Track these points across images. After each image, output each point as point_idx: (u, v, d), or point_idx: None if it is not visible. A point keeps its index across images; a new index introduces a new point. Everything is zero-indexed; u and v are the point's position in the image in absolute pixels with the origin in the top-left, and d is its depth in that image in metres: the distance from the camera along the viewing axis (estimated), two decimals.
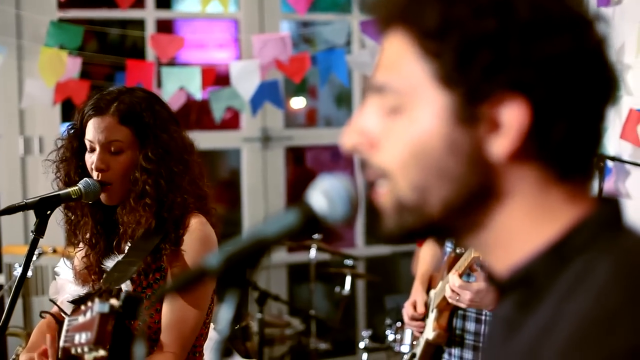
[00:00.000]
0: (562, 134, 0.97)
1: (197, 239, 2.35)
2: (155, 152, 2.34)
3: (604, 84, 1.00)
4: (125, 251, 2.38)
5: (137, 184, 2.33)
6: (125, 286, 2.33)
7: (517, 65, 0.95)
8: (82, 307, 1.98)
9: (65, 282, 2.51)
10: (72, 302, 2.44)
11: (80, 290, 2.44)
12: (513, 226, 1.00)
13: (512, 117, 0.96)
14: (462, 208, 1.00)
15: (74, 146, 2.44)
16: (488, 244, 1.03)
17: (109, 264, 2.40)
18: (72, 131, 2.45)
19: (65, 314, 2.38)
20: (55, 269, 2.57)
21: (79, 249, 2.51)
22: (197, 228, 2.35)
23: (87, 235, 2.46)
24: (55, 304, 2.44)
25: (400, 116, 1.01)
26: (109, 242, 2.45)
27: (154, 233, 2.34)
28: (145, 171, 2.33)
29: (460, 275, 2.67)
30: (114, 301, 1.89)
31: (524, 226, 1.00)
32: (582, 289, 0.93)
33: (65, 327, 2.09)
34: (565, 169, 0.99)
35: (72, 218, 2.47)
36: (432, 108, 0.99)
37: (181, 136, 2.43)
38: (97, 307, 1.89)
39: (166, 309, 2.31)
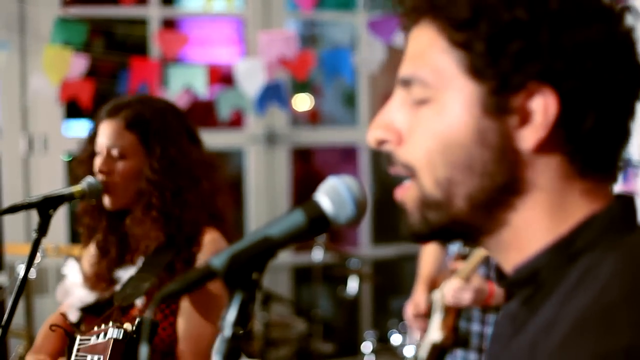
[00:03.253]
0: (590, 126, 0.96)
1: (212, 253, 2.32)
2: (160, 163, 2.32)
3: (633, 77, 0.99)
4: (137, 264, 2.36)
5: (144, 195, 2.32)
6: (140, 301, 2.31)
7: (547, 55, 0.95)
8: (96, 328, 1.97)
9: (73, 285, 2.49)
10: (82, 309, 2.42)
11: (89, 295, 2.43)
12: (532, 222, 0.99)
13: (541, 107, 0.96)
14: (486, 204, 0.99)
15: (90, 149, 2.43)
16: (505, 242, 1.01)
17: (121, 273, 2.38)
18: (90, 134, 2.46)
19: (74, 325, 2.36)
20: (63, 271, 2.55)
21: (89, 254, 2.49)
22: (212, 246, 2.32)
23: (101, 242, 2.44)
24: (65, 317, 2.41)
25: (428, 108, 1.00)
26: (121, 251, 2.43)
27: (166, 248, 2.32)
28: (151, 183, 2.32)
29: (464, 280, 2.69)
30: (127, 326, 1.89)
31: (542, 222, 0.99)
32: (584, 287, 0.92)
33: (76, 346, 2.08)
34: (589, 163, 0.98)
35: (89, 222, 2.46)
36: (461, 99, 0.98)
37: (194, 151, 2.40)
38: (111, 332, 1.90)
39: (182, 323, 2.28)
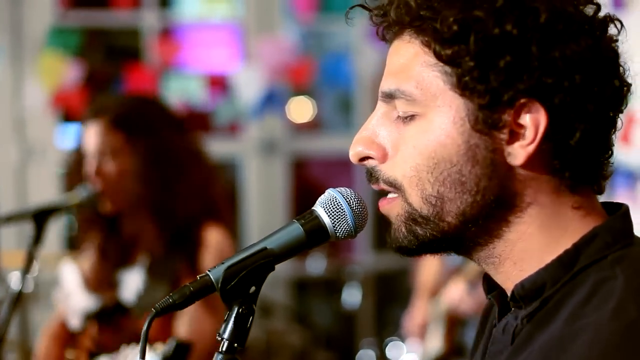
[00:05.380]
0: (578, 140, 0.96)
1: (216, 256, 2.30)
2: (147, 158, 2.30)
3: (617, 90, 0.99)
4: (140, 263, 2.34)
5: (132, 192, 2.30)
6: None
7: (537, 69, 0.94)
8: (126, 350, 1.92)
9: (72, 289, 2.44)
10: (89, 317, 2.35)
11: (90, 299, 2.38)
12: (527, 236, 0.99)
13: (531, 122, 0.95)
14: (478, 219, 0.98)
15: (78, 157, 2.41)
16: (499, 255, 1.01)
17: (124, 276, 2.35)
18: (77, 141, 2.44)
19: (76, 331, 2.30)
20: (60, 274, 2.51)
21: (87, 257, 2.47)
22: (215, 242, 2.31)
23: (100, 246, 2.41)
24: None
25: (414, 123, 0.99)
26: (122, 253, 2.40)
27: (172, 252, 2.31)
28: (138, 179, 2.29)
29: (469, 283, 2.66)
30: (158, 346, 1.85)
31: (538, 237, 0.98)
32: (597, 302, 0.92)
33: None
34: (577, 177, 0.98)
35: (82, 225, 2.44)
36: (450, 115, 0.97)
37: (181, 141, 2.39)
38: (149, 357, 1.84)
39: (184, 321, 2.27)
